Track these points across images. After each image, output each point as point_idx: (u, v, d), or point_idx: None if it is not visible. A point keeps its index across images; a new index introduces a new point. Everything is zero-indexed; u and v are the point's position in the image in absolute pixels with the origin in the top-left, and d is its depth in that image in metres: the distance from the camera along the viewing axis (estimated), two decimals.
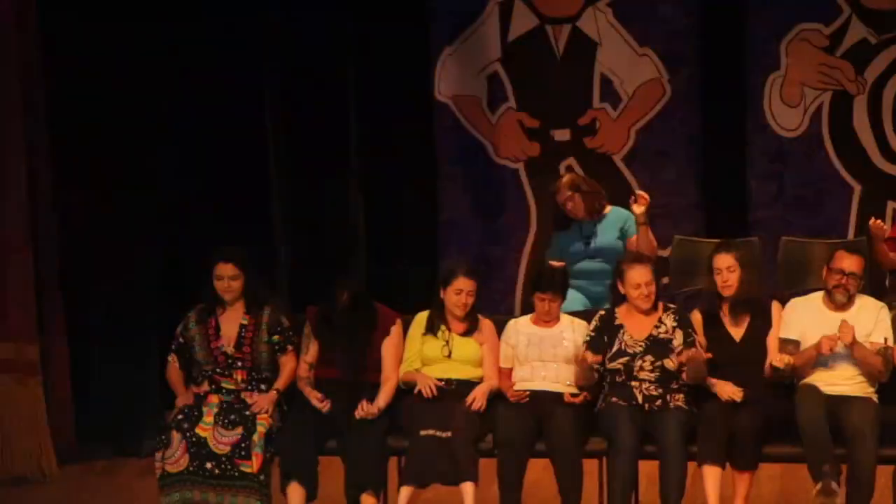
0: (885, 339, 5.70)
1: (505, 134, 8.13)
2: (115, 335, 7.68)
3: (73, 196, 7.55)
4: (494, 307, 7.34)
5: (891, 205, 7.58)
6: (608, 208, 7.01)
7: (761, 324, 5.81)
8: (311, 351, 6.31)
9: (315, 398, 6.28)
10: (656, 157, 7.93)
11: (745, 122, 7.91)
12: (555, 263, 6.45)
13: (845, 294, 5.67)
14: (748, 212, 7.72)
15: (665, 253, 7.13)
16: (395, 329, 6.35)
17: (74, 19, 7.34)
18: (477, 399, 5.92)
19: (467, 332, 6.08)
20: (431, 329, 6.16)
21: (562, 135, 8.00)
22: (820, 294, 5.87)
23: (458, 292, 5.99)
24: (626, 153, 7.88)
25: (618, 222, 6.91)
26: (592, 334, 5.80)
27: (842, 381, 5.64)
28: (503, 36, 8.08)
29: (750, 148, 7.72)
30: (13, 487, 7.27)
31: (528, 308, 6.36)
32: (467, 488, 5.80)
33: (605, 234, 6.89)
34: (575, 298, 6.55)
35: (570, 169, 7.68)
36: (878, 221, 6.60)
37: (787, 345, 5.73)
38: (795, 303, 5.85)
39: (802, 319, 5.70)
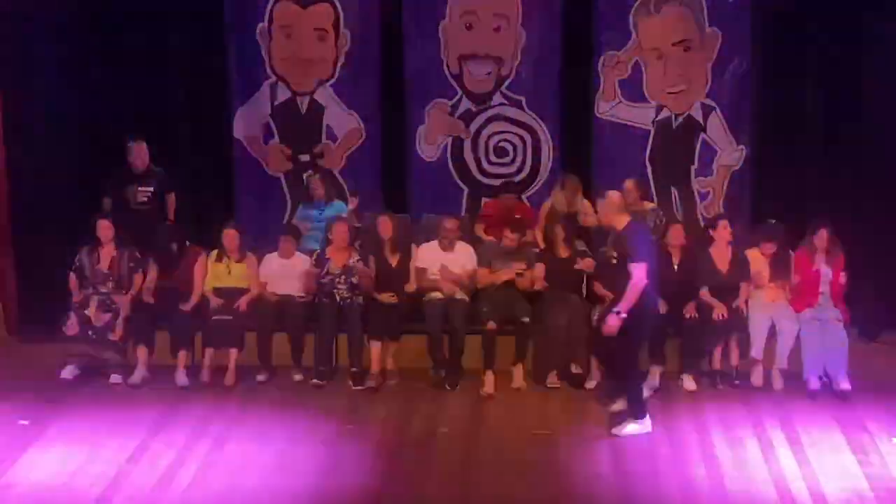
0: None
1: (272, 156, 10.46)
2: (45, 260, 9.57)
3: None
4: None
5: None
6: (335, 200, 9.83)
7: None
8: (151, 273, 9.21)
9: (149, 299, 8.99)
10: (357, 171, 10.37)
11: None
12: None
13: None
14: None
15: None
16: (200, 259, 9.23)
17: None
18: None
19: (239, 261, 9.13)
20: (220, 259, 9.15)
21: (304, 157, 10.44)
22: None
23: (229, 236, 9.08)
24: (339, 169, 10.42)
25: (338, 206, 9.79)
26: None
27: None
28: (272, 101, 10.38)
29: None
30: None
31: None
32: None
33: (329, 211, 9.73)
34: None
35: (316, 174, 10.02)
36: None
37: None
38: None
39: None
